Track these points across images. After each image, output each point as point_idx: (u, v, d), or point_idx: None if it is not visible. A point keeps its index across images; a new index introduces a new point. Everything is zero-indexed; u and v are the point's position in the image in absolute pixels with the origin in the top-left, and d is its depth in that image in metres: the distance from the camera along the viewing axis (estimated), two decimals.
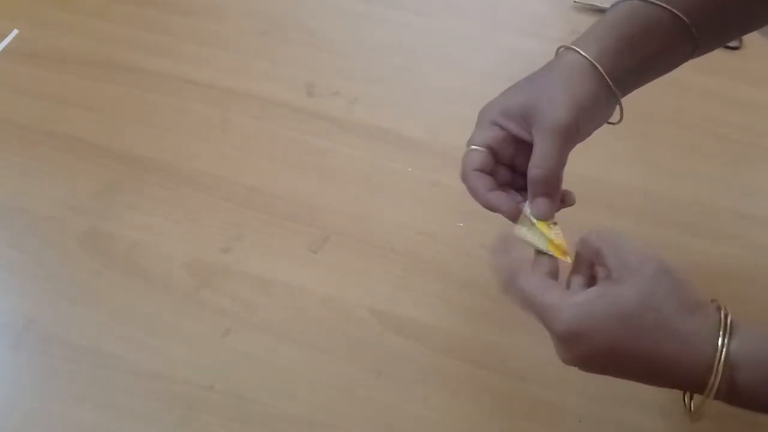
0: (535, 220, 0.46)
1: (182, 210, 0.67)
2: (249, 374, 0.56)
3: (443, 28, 0.85)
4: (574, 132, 0.46)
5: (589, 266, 0.43)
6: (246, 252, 0.64)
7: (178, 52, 0.81)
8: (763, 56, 0.80)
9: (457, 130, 0.74)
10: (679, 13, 0.46)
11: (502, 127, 0.49)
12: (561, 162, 0.46)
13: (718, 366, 0.37)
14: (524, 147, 0.48)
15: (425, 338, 0.59)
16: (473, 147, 0.50)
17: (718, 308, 0.39)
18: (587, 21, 0.85)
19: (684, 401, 0.41)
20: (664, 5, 0.46)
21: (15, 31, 0.83)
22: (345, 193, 0.68)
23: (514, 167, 0.50)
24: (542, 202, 0.46)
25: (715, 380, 0.38)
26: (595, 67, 0.46)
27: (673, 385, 0.40)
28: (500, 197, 0.48)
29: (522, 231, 0.46)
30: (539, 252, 0.45)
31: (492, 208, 0.48)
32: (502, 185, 0.49)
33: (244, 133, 0.73)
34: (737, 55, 0.82)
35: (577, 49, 0.46)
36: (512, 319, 0.56)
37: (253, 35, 0.83)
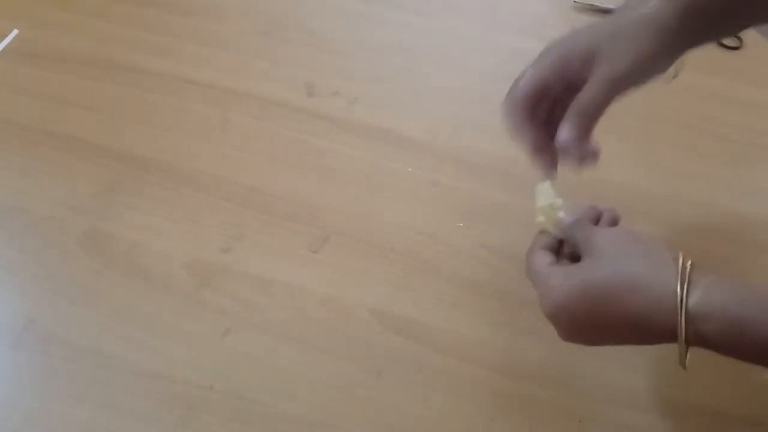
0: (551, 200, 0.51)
1: (182, 210, 0.67)
2: (249, 374, 0.56)
3: (443, 28, 0.85)
4: (628, 84, 0.49)
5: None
6: (246, 252, 0.64)
7: (178, 52, 0.81)
8: (763, 56, 0.80)
9: (457, 130, 0.74)
10: None
11: (563, 64, 0.51)
12: (605, 106, 0.49)
13: (681, 319, 0.40)
14: (571, 91, 0.50)
15: (425, 338, 0.59)
16: (530, 70, 0.52)
17: (682, 262, 0.42)
18: (587, 21, 0.85)
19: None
20: None
21: (15, 31, 0.83)
22: (345, 193, 0.68)
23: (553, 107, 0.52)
24: (567, 128, 0.49)
25: (681, 333, 0.40)
26: (667, 25, 0.48)
27: (654, 341, 0.43)
28: (531, 128, 0.52)
29: (540, 219, 0.51)
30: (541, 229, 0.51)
31: (519, 133, 0.53)
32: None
33: (244, 133, 0.73)
34: (737, 55, 0.82)
35: (660, 7, 0.48)
36: (512, 319, 0.57)
37: (253, 35, 0.83)
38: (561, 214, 0.50)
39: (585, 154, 0.51)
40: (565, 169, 0.54)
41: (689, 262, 0.42)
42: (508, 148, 0.73)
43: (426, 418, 0.55)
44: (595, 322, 0.44)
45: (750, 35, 0.84)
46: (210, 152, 0.71)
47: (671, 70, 0.51)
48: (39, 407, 0.55)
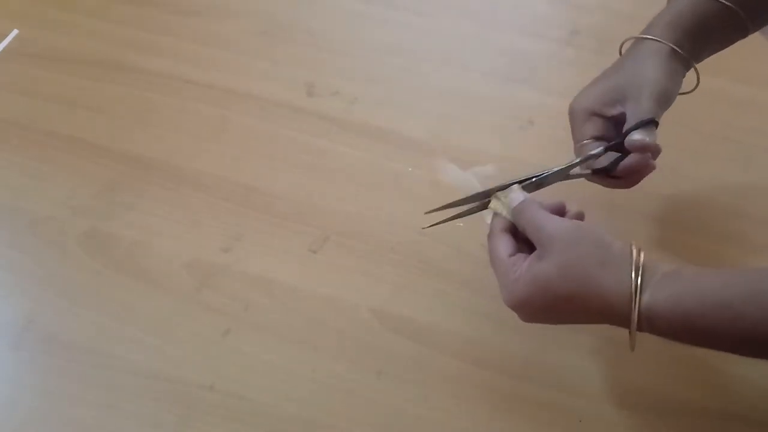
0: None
1: (182, 210, 0.67)
2: (249, 374, 0.56)
3: (443, 28, 0.85)
4: (663, 105, 0.54)
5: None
6: (246, 252, 0.64)
7: (178, 52, 0.81)
8: (763, 56, 0.80)
9: (457, 130, 0.74)
10: (735, 7, 0.54)
11: (599, 115, 0.56)
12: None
13: (633, 316, 0.43)
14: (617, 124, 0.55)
15: (425, 338, 0.59)
16: (585, 142, 0.56)
17: (635, 253, 0.44)
18: (587, 21, 0.85)
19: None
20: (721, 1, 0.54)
21: (15, 31, 0.83)
22: (345, 193, 0.68)
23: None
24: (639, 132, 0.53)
25: (634, 326, 0.44)
26: (675, 50, 0.54)
27: (608, 323, 0.46)
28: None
29: (494, 206, 0.53)
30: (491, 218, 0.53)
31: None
32: None
33: (244, 133, 0.73)
34: (737, 56, 0.82)
35: (656, 38, 0.55)
36: (512, 319, 0.56)
37: (253, 35, 0.83)
38: (512, 195, 0.51)
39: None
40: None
41: (641, 254, 0.44)
42: (508, 148, 0.74)
43: (426, 418, 0.55)
44: (551, 313, 0.47)
45: (750, 35, 0.84)
46: (210, 152, 0.71)
47: (692, 81, 0.57)
48: (39, 407, 0.55)
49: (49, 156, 0.71)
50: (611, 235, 0.47)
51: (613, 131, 0.56)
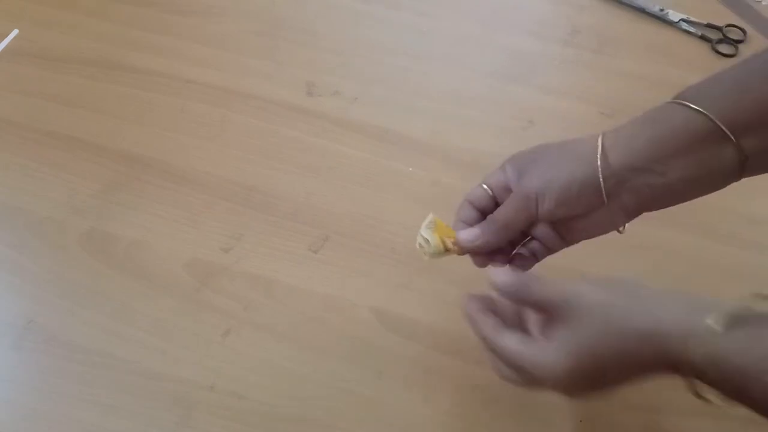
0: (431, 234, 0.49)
1: (182, 210, 0.67)
2: (249, 374, 0.56)
3: (443, 28, 0.85)
4: (545, 214, 0.47)
5: (516, 313, 0.47)
6: (246, 252, 0.64)
7: (178, 52, 0.81)
8: None
9: (457, 130, 0.74)
10: (715, 120, 0.43)
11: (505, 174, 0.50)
12: (516, 223, 0.48)
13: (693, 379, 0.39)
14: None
15: (425, 338, 0.59)
16: (481, 184, 0.52)
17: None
18: (587, 21, 0.85)
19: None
20: (699, 109, 0.43)
21: (15, 31, 0.83)
22: (345, 193, 0.68)
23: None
24: (472, 234, 0.49)
25: (691, 386, 0.40)
26: (602, 178, 0.45)
27: (655, 375, 0.42)
28: (469, 231, 0.50)
29: (426, 234, 0.49)
30: (430, 257, 0.49)
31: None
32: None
33: (244, 133, 0.73)
34: (738, 55, 0.82)
35: (600, 142, 0.46)
36: None
37: (253, 35, 0.83)
38: (499, 277, 0.45)
39: (492, 261, 0.50)
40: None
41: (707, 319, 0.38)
42: (508, 148, 0.73)
43: (426, 418, 0.55)
44: (602, 380, 0.43)
45: (751, 35, 0.84)
46: (210, 152, 0.71)
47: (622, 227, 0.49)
48: (39, 407, 0.55)
49: (49, 156, 0.71)
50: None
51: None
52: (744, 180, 0.70)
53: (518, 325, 0.46)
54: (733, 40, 0.83)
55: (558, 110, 0.76)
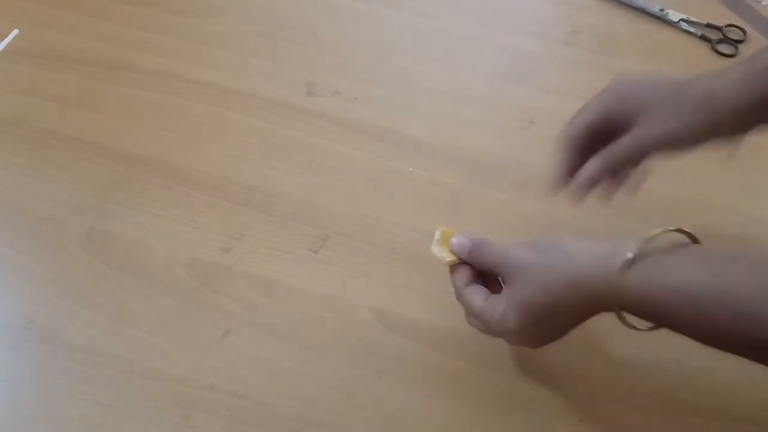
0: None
1: (182, 210, 0.67)
2: (249, 374, 0.56)
3: (443, 28, 0.85)
4: (661, 149, 0.54)
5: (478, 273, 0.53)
6: (246, 252, 0.64)
7: (178, 52, 0.81)
8: None
9: (457, 130, 0.74)
10: None
11: (617, 107, 0.54)
12: (631, 161, 0.55)
13: (617, 310, 0.45)
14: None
15: (425, 338, 0.59)
16: (588, 107, 0.56)
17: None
18: (587, 21, 0.85)
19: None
20: None
21: (15, 31, 0.83)
22: (345, 193, 0.68)
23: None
24: (587, 170, 0.54)
25: (619, 315, 0.45)
26: (730, 109, 0.51)
27: (598, 311, 0.47)
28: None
29: (435, 249, 0.54)
30: (450, 264, 0.53)
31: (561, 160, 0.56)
32: None
33: (244, 133, 0.73)
34: (738, 56, 0.82)
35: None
36: None
37: (253, 35, 0.83)
38: (454, 241, 0.52)
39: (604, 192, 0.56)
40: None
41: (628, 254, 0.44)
42: (508, 148, 0.74)
43: (426, 418, 0.55)
44: (549, 327, 0.49)
45: (751, 35, 0.84)
46: (210, 152, 0.71)
47: (727, 150, 0.54)
48: (39, 407, 0.55)
49: (49, 156, 0.71)
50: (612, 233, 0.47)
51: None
52: (741, 179, 0.70)
53: (494, 282, 0.52)
54: (733, 40, 0.83)
55: (558, 110, 0.76)
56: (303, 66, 0.79)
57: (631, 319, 0.45)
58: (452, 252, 0.53)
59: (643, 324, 0.46)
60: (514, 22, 0.86)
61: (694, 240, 0.47)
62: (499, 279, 0.51)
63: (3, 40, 0.82)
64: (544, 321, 0.48)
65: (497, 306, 0.49)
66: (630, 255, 0.43)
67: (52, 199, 0.67)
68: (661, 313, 0.44)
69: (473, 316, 0.52)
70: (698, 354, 0.57)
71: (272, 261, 0.63)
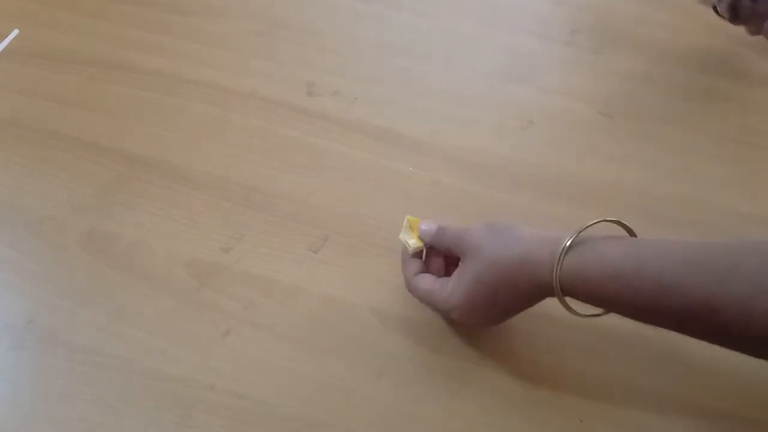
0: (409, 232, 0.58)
1: (182, 210, 0.67)
2: (249, 374, 0.56)
3: (443, 28, 0.85)
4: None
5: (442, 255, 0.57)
6: (246, 252, 0.64)
7: (179, 52, 0.81)
8: (763, 56, 0.80)
9: (457, 130, 0.74)
10: None
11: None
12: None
13: (557, 288, 0.48)
14: None
15: (425, 338, 0.59)
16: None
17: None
18: (587, 21, 0.85)
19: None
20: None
21: (15, 31, 0.83)
22: (345, 193, 0.68)
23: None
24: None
25: (559, 295, 0.48)
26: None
27: (541, 298, 0.51)
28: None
29: (404, 237, 0.58)
30: (413, 252, 0.57)
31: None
32: None
33: (244, 133, 0.73)
34: (738, 56, 0.82)
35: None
36: (513, 320, 0.56)
37: (253, 35, 0.83)
38: (422, 226, 0.57)
39: None
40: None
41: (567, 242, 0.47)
42: (508, 148, 0.74)
43: (426, 418, 0.55)
44: (493, 305, 0.52)
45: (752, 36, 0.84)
46: (210, 152, 0.71)
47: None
48: (39, 407, 0.55)
49: (49, 156, 0.71)
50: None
51: None
52: (740, 179, 0.70)
53: (442, 272, 0.57)
54: None
55: (558, 110, 0.76)
56: (303, 66, 0.79)
57: (575, 306, 0.48)
58: (420, 238, 0.56)
59: (587, 310, 0.49)
60: (514, 22, 0.86)
61: (631, 232, 0.51)
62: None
63: (3, 40, 0.82)
64: (489, 299, 0.51)
65: (446, 285, 0.53)
66: (568, 243, 0.47)
67: (52, 199, 0.67)
68: (595, 292, 0.47)
69: (423, 300, 0.56)
70: (698, 354, 0.57)
71: (272, 261, 0.63)
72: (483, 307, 0.52)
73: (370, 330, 0.59)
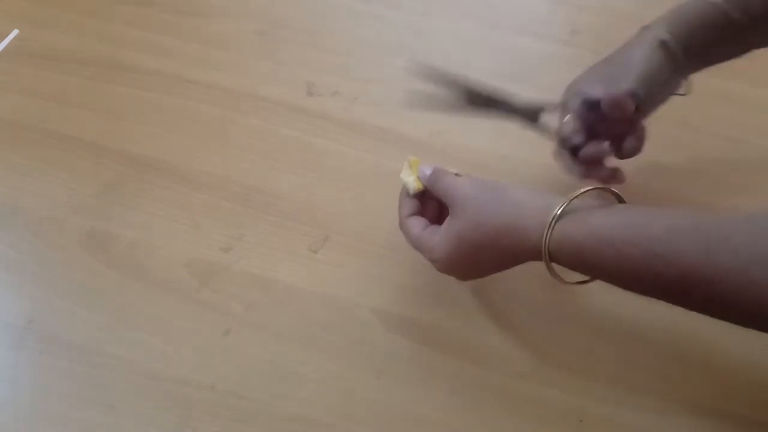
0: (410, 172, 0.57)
1: (182, 210, 0.67)
2: (249, 374, 0.56)
3: (443, 28, 0.85)
4: (648, 90, 0.57)
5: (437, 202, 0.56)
6: (246, 252, 0.64)
7: (179, 52, 0.81)
8: (763, 56, 0.80)
9: (457, 130, 0.74)
10: (736, 13, 0.55)
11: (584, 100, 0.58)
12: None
13: (544, 249, 0.48)
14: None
15: (425, 338, 0.59)
16: (566, 120, 0.59)
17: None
18: (587, 21, 0.85)
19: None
20: (724, 5, 0.55)
21: (15, 31, 0.83)
22: (345, 193, 0.68)
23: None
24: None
25: (547, 261, 0.48)
26: (664, 43, 0.56)
27: (523, 260, 0.51)
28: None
29: (405, 176, 0.57)
30: (410, 195, 0.56)
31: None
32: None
33: (244, 133, 0.73)
34: None
35: (656, 32, 0.57)
36: (512, 319, 0.57)
37: (253, 35, 0.83)
38: (421, 167, 0.56)
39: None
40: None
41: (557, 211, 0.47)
42: (508, 148, 0.74)
43: (426, 418, 0.55)
44: (475, 262, 0.52)
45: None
46: (210, 152, 0.71)
47: (684, 88, 0.60)
48: (39, 407, 0.55)
49: (49, 156, 0.71)
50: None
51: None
52: (740, 179, 0.70)
53: (437, 216, 0.56)
54: None
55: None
56: (303, 66, 0.79)
57: (561, 273, 0.49)
58: (419, 179, 0.55)
59: (573, 277, 0.49)
60: (514, 22, 0.86)
61: (621, 199, 0.50)
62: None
63: (3, 40, 0.82)
64: (471, 256, 0.51)
65: (433, 235, 0.53)
66: (558, 211, 0.47)
67: (52, 199, 0.68)
68: (586, 259, 0.47)
69: (411, 244, 0.55)
70: (698, 354, 0.57)
71: (272, 261, 0.63)
72: (464, 264, 0.53)
73: (370, 330, 0.59)
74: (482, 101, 0.60)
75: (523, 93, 0.78)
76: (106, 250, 0.64)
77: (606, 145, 0.57)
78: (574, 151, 0.58)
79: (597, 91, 0.57)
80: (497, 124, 0.75)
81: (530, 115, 0.60)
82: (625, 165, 0.70)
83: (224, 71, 0.79)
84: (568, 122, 0.58)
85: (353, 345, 0.58)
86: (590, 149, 0.57)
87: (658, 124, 0.75)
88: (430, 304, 0.60)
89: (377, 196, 0.68)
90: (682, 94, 0.59)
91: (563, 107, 0.60)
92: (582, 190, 0.48)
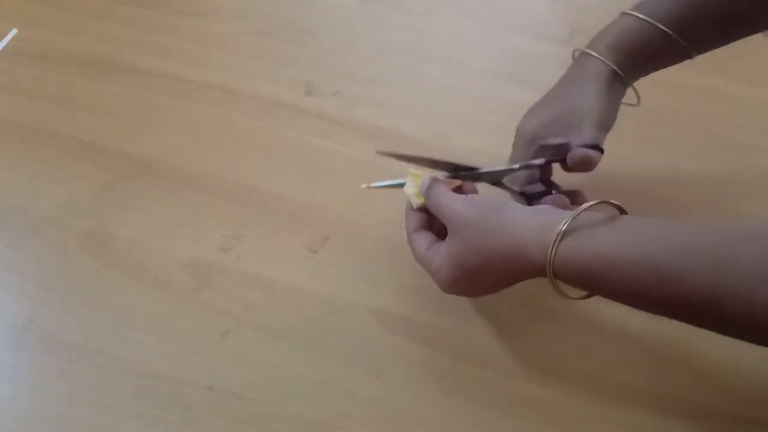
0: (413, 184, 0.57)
1: (182, 210, 0.67)
2: (249, 374, 0.56)
3: (443, 28, 0.85)
4: (605, 131, 0.58)
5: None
6: (246, 252, 0.64)
7: (178, 52, 0.81)
8: (763, 56, 0.80)
9: (457, 130, 0.74)
10: (667, 30, 0.56)
11: (542, 144, 0.58)
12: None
13: (549, 272, 0.47)
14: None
15: (425, 338, 0.59)
16: (515, 166, 0.59)
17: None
18: (587, 21, 0.85)
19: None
20: (656, 24, 0.57)
21: (15, 31, 0.83)
22: (345, 193, 0.68)
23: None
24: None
25: (552, 282, 0.47)
26: (615, 72, 0.57)
27: (526, 278, 0.50)
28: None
29: (407, 189, 0.57)
30: (416, 207, 0.56)
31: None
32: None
33: (244, 133, 0.73)
34: (737, 55, 0.82)
35: (599, 56, 0.59)
36: (513, 320, 0.57)
37: (253, 35, 0.83)
38: (422, 181, 0.56)
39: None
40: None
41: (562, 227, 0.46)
42: (507, 148, 0.73)
43: (426, 418, 0.55)
44: (480, 284, 0.52)
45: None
46: (210, 152, 0.71)
47: (634, 98, 0.60)
48: (39, 407, 0.55)
49: (49, 156, 0.71)
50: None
51: (555, 157, 0.58)
52: (740, 179, 0.70)
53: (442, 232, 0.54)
54: None
55: None
56: (303, 66, 0.80)
57: (565, 289, 0.48)
58: (420, 194, 0.55)
59: (577, 293, 0.48)
60: (514, 22, 0.86)
61: (622, 211, 0.49)
62: None
63: (3, 40, 0.82)
64: (474, 278, 0.51)
65: (435, 256, 0.52)
66: (563, 228, 0.46)
67: (52, 199, 0.68)
68: (593, 279, 0.46)
69: (418, 261, 0.55)
70: (698, 353, 0.57)
71: (272, 261, 0.63)
72: (468, 288, 0.53)
73: (370, 330, 0.59)
74: (450, 169, 0.59)
75: (523, 93, 0.78)
76: (106, 250, 0.64)
77: (565, 198, 0.58)
78: (530, 198, 0.59)
79: (559, 141, 0.57)
80: (497, 124, 0.75)
81: (494, 179, 0.60)
82: (625, 166, 0.70)
83: (224, 71, 0.79)
84: (527, 175, 0.59)
85: (353, 345, 0.58)
86: (549, 202, 0.57)
87: (658, 125, 0.75)
88: (429, 304, 0.60)
89: (377, 196, 0.68)
90: (634, 105, 0.60)
91: (514, 150, 0.61)
92: (583, 207, 0.47)
